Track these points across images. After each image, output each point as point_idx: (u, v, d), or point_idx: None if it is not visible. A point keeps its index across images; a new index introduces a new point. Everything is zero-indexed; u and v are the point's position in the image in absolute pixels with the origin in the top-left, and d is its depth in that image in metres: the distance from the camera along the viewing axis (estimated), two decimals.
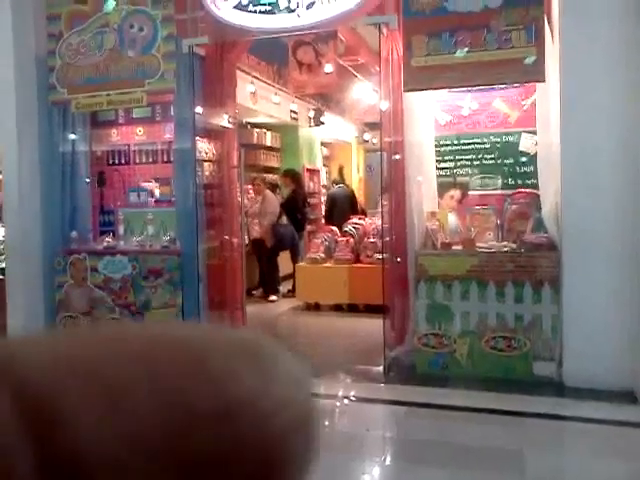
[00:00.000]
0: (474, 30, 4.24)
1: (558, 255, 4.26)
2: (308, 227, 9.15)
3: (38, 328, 5.66)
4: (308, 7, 4.77)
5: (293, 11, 4.81)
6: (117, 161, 6.08)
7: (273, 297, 7.87)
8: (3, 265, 5.93)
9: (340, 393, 4.39)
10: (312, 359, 5.18)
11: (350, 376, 4.70)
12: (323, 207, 11.49)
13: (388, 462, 3.42)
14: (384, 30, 4.73)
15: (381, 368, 4.67)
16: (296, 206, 8.54)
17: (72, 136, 5.80)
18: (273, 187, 8.64)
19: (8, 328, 5.61)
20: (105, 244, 5.63)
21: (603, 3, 4.03)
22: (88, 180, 5.97)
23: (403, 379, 4.50)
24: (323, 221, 9.70)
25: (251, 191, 8.28)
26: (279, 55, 7.88)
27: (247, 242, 7.42)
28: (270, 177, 9.35)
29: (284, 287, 8.21)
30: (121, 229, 5.95)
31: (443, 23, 4.32)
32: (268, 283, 8.00)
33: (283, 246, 8.17)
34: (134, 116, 5.92)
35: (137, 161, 6.02)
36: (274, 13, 4.87)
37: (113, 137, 6.06)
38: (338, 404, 4.20)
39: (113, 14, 5.32)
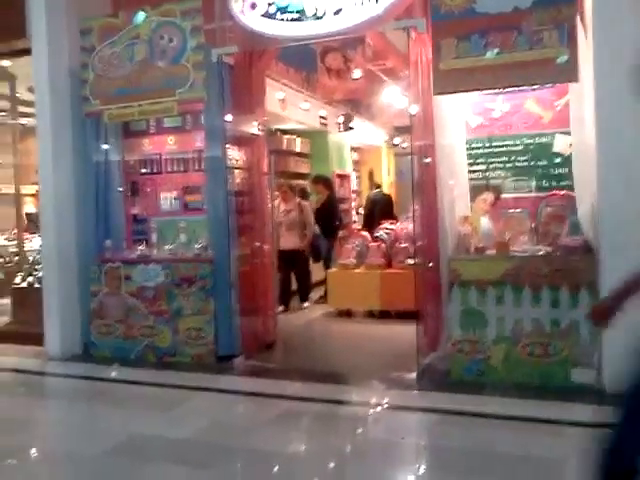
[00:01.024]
0: (504, 31, 4.17)
1: (595, 258, 4.15)
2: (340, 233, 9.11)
3: (74, 335, 5.76)
4: (335, 13, 4.76)
5: (321, 18, 4.80)
6: (149, 170, 6.16)
7: (306, 304, 7.86)
8: (40, 274, 6.05)
9: (374, 400, 4.35)
10: (345, 366, 5.16)
11: (383, 383, 4.65)
12: (354, 212, 11.53)
13: (423, 471, 3.37)
14: (412, 34, 4.69)
15: (414, 375, 4.62)
16: (333, 212, 8.55)
17: (105, 146, 5.90)
18: (303, 194, 8.46)
19: (46, 337, 5.73)
20: (138, 252, 5.70)
21: (636, 1, 3.93)
22: (121, 189, 6.06)
23: (437, 386, 4.44)
24: (359, 226, 9.74)
25: (277, 200, 8.16)
26: (308, 62, 7.91)
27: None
28: (299, 183, 9.27)
29: (315, 294, 8.20)
30: (154, 237, 6.02)
31: (472, 25, 4.27)
32: (301, 291, 7.92)
33: (320, 256, 8.13)
34: (165, 125, 6.00)
35: (169, 170, 6.08)
36: (302, 20, 4.87)
37: (145, 147, 6.14)
38: (372, 411, 4.16)
39: (143, 26, 5.40)
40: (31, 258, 6.62)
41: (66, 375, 5.28)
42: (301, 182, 9.54)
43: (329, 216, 8.35)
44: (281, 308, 7.35)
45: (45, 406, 4.70)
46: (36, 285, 6.24)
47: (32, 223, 8.76)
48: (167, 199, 6.05)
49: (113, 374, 5.15)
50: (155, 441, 3.65)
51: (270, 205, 6.22)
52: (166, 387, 4.61)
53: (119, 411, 4.20)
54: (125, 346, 5.54)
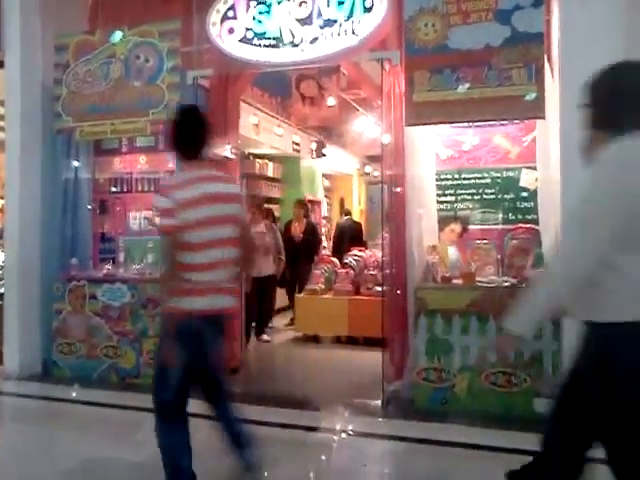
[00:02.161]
0: (475, 67, 4.30)
1: None
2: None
3: (34, 353, 5.62)
4: (312, 42, 4.85)
5: (297, 45, 4.88)
6: (119, 189, 6.11)
7: (266, 337, 7.31)
8: (2, 290, 5.91)
9: (338, 427, 4.33)
10: (310, 392, 5.13)
11: (348, 410, 4.64)
12: (324, 238, 11.58)
13: None
14: (386, 65, 4.79)
15: (379, 402, 4.61)
16: (316, 237, 8.41)
17: (75, 164, 5.84)
18: (267, 214, 7.91)
19: (4, 354, 5.58)
20: (105, 271, 5.62)
21: (603, 43, 4.09)
22: (90, 207, 5.99)
23: (401, 414, 4.44)
24: (328, 252, 9.76)
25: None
26: (282, 88, 8.01)
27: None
28: (270, 207, 9.22)
29: (284, 318, 8.16)
30: (122, 257, 5.95)
31: (445, 60, 4.38)
32: (265, 322, 7.42)
33: (294, 281, 7.92)
34: (137, 145, 5.97)
35: (139, 189, 6.04)
36: (278, 47, 4.95)
37: (116, 165, 6.10)
38: (335, 438, 4.14)
39: (120, 45, 5.40)
40: None
41: (22, 395, 5.13)
42: (273, 206, 9.56)
43: (314, 240, 8.27)
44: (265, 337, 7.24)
45: None
46: None
47: None
48: (136, 219, 6.00)
49: (73, 394, 5.03)
50: (113, 465, 3.56)
51: None
52: (128, 409, 4.52)
53: (76, 434, 4.08)
54: (87, 366, 5.42)
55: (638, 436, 1.83)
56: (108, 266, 5.69)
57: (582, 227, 1.90)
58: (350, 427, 4.28)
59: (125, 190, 6.08)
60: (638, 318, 1.83)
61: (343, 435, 4.17)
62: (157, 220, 2.75)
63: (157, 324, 5.21)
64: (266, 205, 9.18)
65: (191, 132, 2.85)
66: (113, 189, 6.12)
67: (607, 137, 1.95)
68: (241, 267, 2.94)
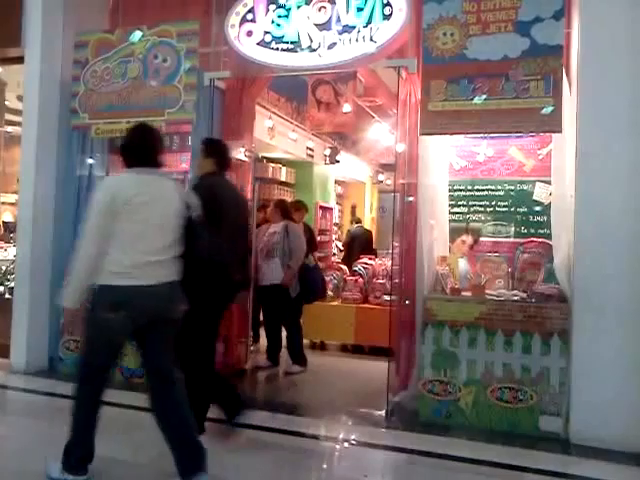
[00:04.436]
0: (492, 78, 4.27)
1: (568, 307, 4.19)
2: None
3: (41, 349, 5.64)
4: (329, 47, 4.84)
5: (315, 50, 4.88)
6: None
7: (296, 368, 6.04)
8: (12, 285, 5.93)
9: (340, 436, 4.29)
10: (313, 399, 5.10)
11: (351, 419, 4.61)
12: (335, 245, 11.58)
13: None
14: (403, 73, 4.78)
15: (383, 412, 4.57)
16: (313, 242, 7.46)
17: (90, 161, 5.86)
18: (286, 212, 6.30)
19: (11, 349, 5.60)
20: None
21: (623, 57, 4.05)
22: None
23: (405, 425, 4.40)
24: (338, 259, 9.72)
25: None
26: (299, 92, 8.03)
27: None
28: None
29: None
30: None
31: (462, 70, 4.36)
32: (291, 349, 6.13)
33: (313, 296, 6.32)
34: None
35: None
36: (296, 51, 4.95)
37: None
38: (337, 447, 4.10)
39: (138, 44, 5.43)
40: (4, 267, 6.49)
41: (28, 390, 5.14)
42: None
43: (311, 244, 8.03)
44: (263, 359, 6.23)
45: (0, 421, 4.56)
46: (7, 295, 6.11)
47: (8, 232, 8.62)
48: None
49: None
50: (114, 464, 3.54)
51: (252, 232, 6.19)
52: (131, 409, 4.50)
53: None
54: None
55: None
56: None
57: (88, 230, 3.06)
58: (353, 436, 4.25)
59: None
60: (104, 282, 3.04)
61: (345, 444, 4.13)
62: None
63: None
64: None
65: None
66: None
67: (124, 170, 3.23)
68: None
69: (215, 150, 4.17)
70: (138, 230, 3.06)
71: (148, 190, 3.12)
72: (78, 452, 3.20)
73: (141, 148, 3.23)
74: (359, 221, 10.84)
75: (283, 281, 5.89)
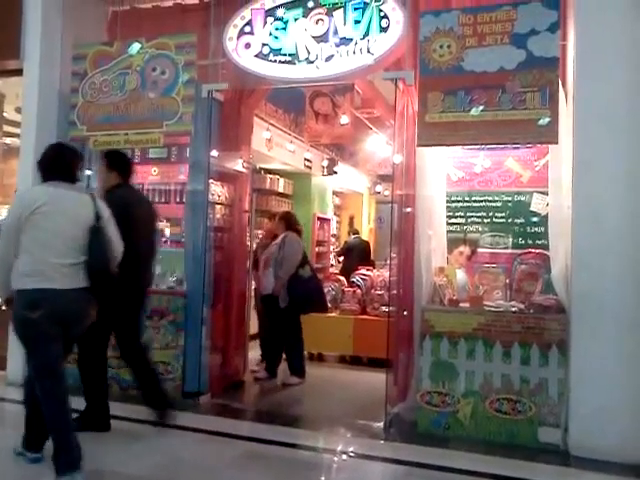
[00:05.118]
0: (489, 90, 4.29)
1: (567, 318, 4.19)
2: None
3: None
4: (327, 59, 4.87)
5: (312, 62, 4.90)
6: None
7: (294, 379, 6.00)
8: None
9: (339, 448, 4.27)
10: (312, 411, 5.08)
11: (349, 430, 4.59)
12: (332, 256, 11.58)
13: None
14: (400, 85, 4.80)
15: (382, 424, 4.55)
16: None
17: (88, 172, 5.86)
18: (290, 224, 6.38)
19: (8, 361, 5.57)
20: None
21: (618, 68, 4.08)
22: None
23: (404, 437, 4.38)
24: (335, 270, 9.71)
25: (260, 233, 7.86)
26: (296, 104, 8.06)
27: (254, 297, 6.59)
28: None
29: None
30: None
31: (459, 81, 4.38)
32: (290, 360, 6.12)
33: (306, 307, 6.21)
34: (150, 156, 5.97)
35: (150, 200, 6.04)
36: (294, 64, 4.97)
37: None
38: (336, 459, 4.08)
39: (137, 57, 5.45)
40: None
41: (22, 402, 5.10)
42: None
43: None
44: (261, 369, 6.22)
45: None
46: (3, 307, 6.08)
47: None
48: None
49: (72, 404, 4.98)
50: (110, 477, 3.52)
51: (249, 243, 6.20)
52: (127, 421, 4.48)
53: None
54: None
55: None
56: None
57: (3, 235, 3.40)
58: (351, 448, 4.22)
59: None
60: (20, 287, 3.34)
61: (344, 456, 4.11)
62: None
63: (162, 336, 5.20)
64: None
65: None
66: None
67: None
68: None
69: (116, 162, 4.46)
70: (44, 237, 3.35)
71: (56, 201, 3.42)
72: (63, 457, 3.29)
73: (55, 164, 3.57)
74: (357, 232, 10.86)
75: (273, 291, 5.95)
